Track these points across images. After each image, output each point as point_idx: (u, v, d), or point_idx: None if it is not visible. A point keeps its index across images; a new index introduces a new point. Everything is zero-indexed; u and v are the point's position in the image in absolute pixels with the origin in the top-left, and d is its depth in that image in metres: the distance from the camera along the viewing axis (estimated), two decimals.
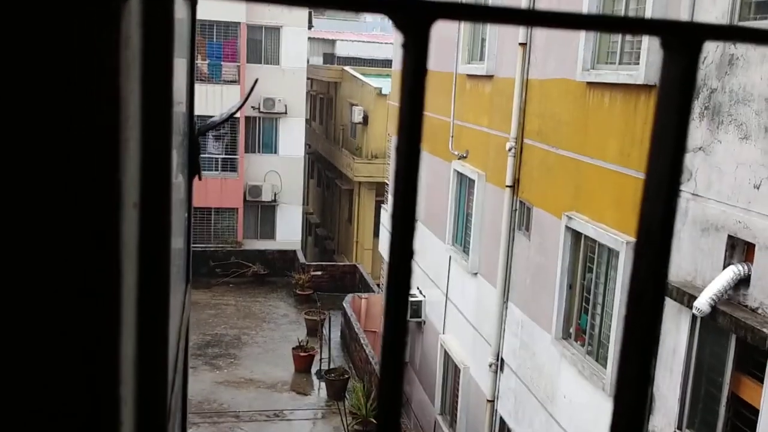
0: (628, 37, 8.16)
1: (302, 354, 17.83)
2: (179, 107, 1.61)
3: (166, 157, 0.84)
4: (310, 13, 27.42)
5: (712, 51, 6.56)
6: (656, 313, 0.47)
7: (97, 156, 0.52)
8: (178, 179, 1.54)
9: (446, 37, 13.44)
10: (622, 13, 8.23)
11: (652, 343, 0.47)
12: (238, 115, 25.38)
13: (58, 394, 0.55)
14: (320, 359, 17.63)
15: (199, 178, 1.83)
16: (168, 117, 0.86)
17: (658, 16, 7.28)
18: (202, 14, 24.03)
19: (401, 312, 0.44)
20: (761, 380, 5.99)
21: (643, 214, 0.46)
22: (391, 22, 0.40)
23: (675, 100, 0.43)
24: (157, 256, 0.79)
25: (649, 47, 7.40)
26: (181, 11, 1.65)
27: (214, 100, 24.66)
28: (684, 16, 6.89)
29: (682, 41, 0.43)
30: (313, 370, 17.89)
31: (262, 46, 26.47)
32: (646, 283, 0.47)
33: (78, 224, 0.53)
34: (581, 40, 8.73)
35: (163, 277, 0.83)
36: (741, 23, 6.36)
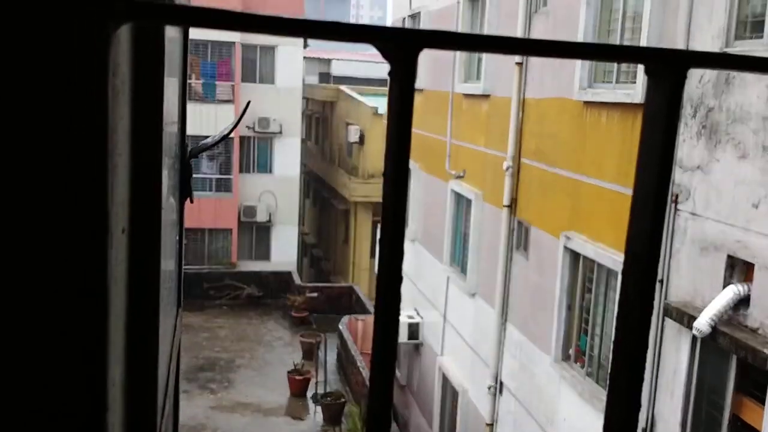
0: None
1: (297, 377, 17.65)
2: (171, 129, 1.56)
3: (156, 181, 0.82)
4: None
5: (708, 70, 6.54)
6: (644, 329, 0.48)
7: (83, 182, 0.52)
8: (169, 202, 1.48)
9: (442, 57, 13.47)
10: (618, 34, 8.23)
11: (642, 359, 0.48)
12: (232, 135, 25.37)
13: (44, 420, 0.55)
14: (316, 383, 17.46)
15: (191, 201, 1.77)
16: (158, 143, 0.84)
17: (655, 36, 7.28)
18: (196, 34, 24.15)
19: (390, 336, 0.44)
20: (763, 402, 5.90)
21: (630, 236, 0.48)
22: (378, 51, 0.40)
23: (660, 126, 0.44)
24: (147, 281, 0.76)
25: None
26: (172, 31, 1.60)
27: (208, 120, 24.65)
28: (680, 35, 6.89)
29: (667, 68, 0.45)
30: (309, 394, 17.70)
31: (257, 65, 26.54)
32: (634, 300, 0.49)
33: (64, 250, 0.53)
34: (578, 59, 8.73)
35: (153, 302, 0.81)
36: (737, 41, 6.35)
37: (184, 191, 1.75)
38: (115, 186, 0.59)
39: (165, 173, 1.37)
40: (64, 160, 0.51)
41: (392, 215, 0.39)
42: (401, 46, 0.37)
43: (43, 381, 0.54)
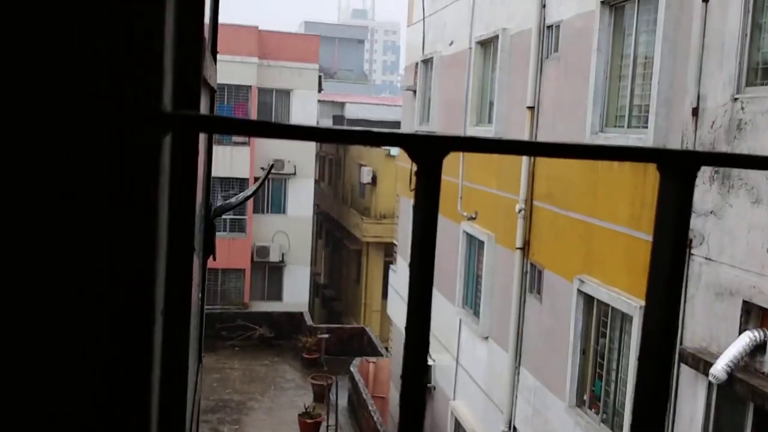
0: (636, 101, 8.23)
1: (308, 421, 17.47)
2: (198, 194, 1.61)
3: (187, 262, 0.85)
4: (320, 77, 27.94)
5: (720, 115, 6.59)
6: (666, 374, 0.48)
7: (134, 268, 0.56)
8: (194, 263, 1.52)
9: (454, 99, 13.62)
10: (630, 80, 8.31)
11: (664, 403, 0.48)
12: (248, 176, 25.60)
13: None
14: (327, 426, 17.26)
15: (214, 259, 1.80)
16: (190, 233, 0.87)
17: (665, 82, 7.35)
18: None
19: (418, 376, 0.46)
20: None
21: (645, 319, 0.49)
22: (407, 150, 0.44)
23: (671, 220, 0.47)
24: (178, 362, 0.79)
25: (657, 111, 7.44)
26: (202, 104, 1.65)
27: (224, 162, 24.92)
28: (691, 81, 6.95)
29: (678, 167, 0.47)
30: None
31: (273, 108, 26.89)
32: (654, 347, 0.49)
33: (115, 334, 0.56)
34: (590, 103, 8.81)
35: (182, 382, 0.83)
36: (748, 88, 6.39)
37: (208, 250, 1.79)
38: (157, 271, 0.64)
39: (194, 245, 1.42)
40: (116, 260, 0.54)
41: (417, 306, 0.41)
42: (428, 149, 0.41)
43: None
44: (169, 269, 0.72)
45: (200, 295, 1.84)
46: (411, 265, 0.42)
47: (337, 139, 0.40)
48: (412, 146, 0.42)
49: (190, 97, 0.93)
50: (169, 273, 0.72)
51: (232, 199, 2.36)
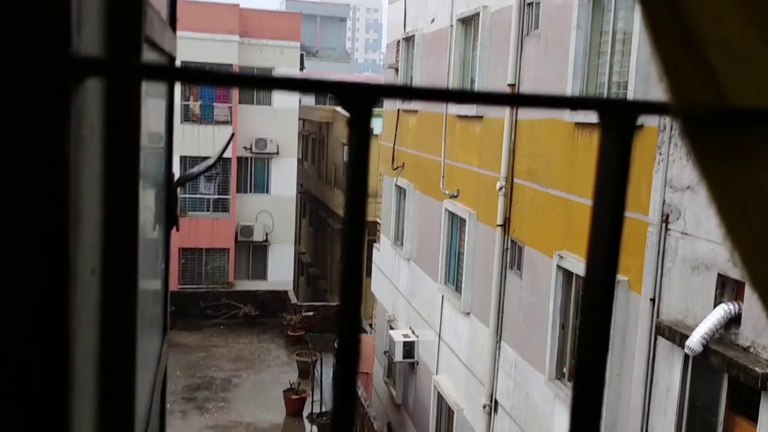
0: (615, 78, 8.29)
1: (294, 397, 17.61)
2: (157, 160, 1.62)
3: (132, 220, 0.85)
4: (302, 55, 27.74)
5: None
6: (603, 350, 0.50)
7: (43, 225, 0.54)
8: (155, 231, 1.53)
9: (437, 78, 13.61)
10: (609, 56, 8.36)
11: (603, 360, 0.50)
12: (230, 156, 25.47)
13: None
14: (312, 402, 17.41)
15: (177, 229, 1.82)
16: (135, 192, 0.87)
17: (644, 58, 7.40)
18: (194, 56, 24.28)
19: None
20: (755, 420, 5.94)
21: (587, 265, 0.50)
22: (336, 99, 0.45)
23: (612, 169, 0.47)
24: (122, 318, 0.79)
25: (635, 87, 7.51)
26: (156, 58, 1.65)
27: (206, 141, 24.75)
28: None
29: (618, 119, 0.47)
30: (305, 413, 17.65)
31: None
32: (595, 318, 0.51)
33: (26, 295, 0.54)
34: (569, 80, 8.86)
35: (129, 338, 0.83)
36: None
37: (170, 219, 1.81)
38: (81, 230, 0.60)
39: (150, 202, 1.42)
40: (23, 207, 0.53)
41: (349, 259, 0.43)
42: (357, 97, 0.43)
43: (9, 420, 0.54)
44: (109, 222, 0.72)
45: (164, 266, 1.86)
46: (344, 216, 0.45)
47: (264, 85, 0.43)
48: (341, 94, 0.44)
49: (126, 51, 0.90)
50: (109, 232, 0.72)
51: (194, 169, 2.38)
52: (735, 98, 0.44)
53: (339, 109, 31.56)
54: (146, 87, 1.17)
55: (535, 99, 0.49)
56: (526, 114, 10.25)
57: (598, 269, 0.50)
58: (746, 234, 0.47)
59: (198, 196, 25.93)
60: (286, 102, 26.85)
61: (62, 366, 0.56)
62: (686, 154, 6.72)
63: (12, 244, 0.53)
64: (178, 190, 1.92)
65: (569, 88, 8.83)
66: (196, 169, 2.35)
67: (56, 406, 0.56)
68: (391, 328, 15.76)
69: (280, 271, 27.14)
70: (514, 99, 0.51)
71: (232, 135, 3.55)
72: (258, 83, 0.43)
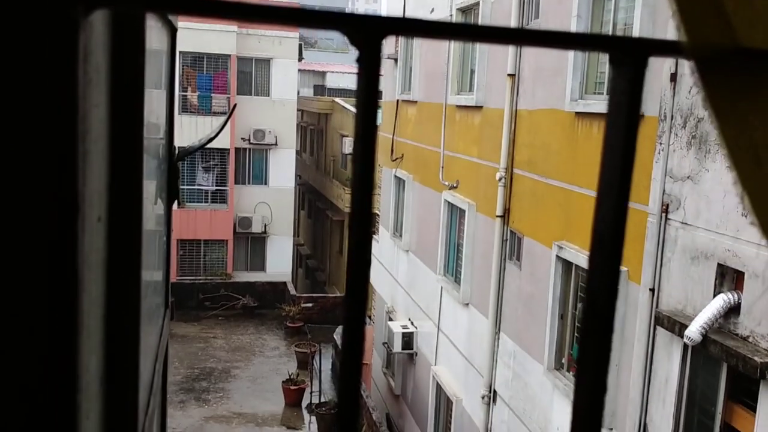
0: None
1: (292, 387, 17.64)
2: (158, 133, 1.60)
3: (137, 171, 0.84)
4: (300, 46, 27.65)
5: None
6: (609, 318, 0.49)
7: (52, 165, 0.53)
8: (157, 204, 1.52)
9: (436, 69, 13.57)
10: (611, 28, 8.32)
11: (608, 345, 0.49)
12: (228, 146, 25.43)
13: (14, 407, 0.54)
14: (311, 393, 17.44)
15: (179, 204, 1.82)
16: (139, 132, 0.86)
17: (646, 30, 7.37)
18: (192, 46, 24.21)
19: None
20: (754, 410, 5.96)
21: (595, 221, 0.49)
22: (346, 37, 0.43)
23: (624, 112, 0.46)
24: (127, 270, 0.78)
25: None
26: (160, 42, 1.64)
27: (204, 132, 24.65)
28: (671, 27, 6.97)
29: (629, 56, 0.46)
30: (304, 403, 17.68)
31: (252, 78, 26.64)
32: (600, 291, 0.50)
33: (35, 234, 0.53)
34: (569, 70, 8.83)
35: (134, 292, 0.82)
36: None
37: (172, 193, 1.80)
38: (88, 172, 0.59)
39: (151, 172, 1.41)
40: (31, 146, 0.52)
41: (360, 196, 0.42)
42: (367, 31, 0.41)
43: (18, 367, 0.54)
44: (114, 175, 0.71)
45: (165, 239, 1.85)
46: (353, 157, 0.43)
47: (265, 18, 0.41)
48: (349, 27, 0.41)
49: None
50: (114, 179, 0.71)
51: (195, 142, 2.37)
52: (746, 41, 0.44)
53: (337, 99, 31.42)
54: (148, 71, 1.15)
55: (544, 35, 0.46)
56: (525, 104, 10.23)
57: (608, 217, 0.48)
58: (758, 177, 0.46)
59: (196, 187, 25.90)
60: (285, 93, 26.79)
61: (70, 308, 0.55)
62: (686, 144, 6.68)
63: (20, 179, 0.52)
64: (179, 165, 1.91)
65: (569, 78, 8.81)
66: (197, 142, 2.34)
67: (64, 344, 0.55)
68: (390, 319, 15.78)
69: (279, 263, 27.14)
70: (522, 34, 0.48)
71: (234, 106, 3.53)
72: (262, 14, 0.41)
